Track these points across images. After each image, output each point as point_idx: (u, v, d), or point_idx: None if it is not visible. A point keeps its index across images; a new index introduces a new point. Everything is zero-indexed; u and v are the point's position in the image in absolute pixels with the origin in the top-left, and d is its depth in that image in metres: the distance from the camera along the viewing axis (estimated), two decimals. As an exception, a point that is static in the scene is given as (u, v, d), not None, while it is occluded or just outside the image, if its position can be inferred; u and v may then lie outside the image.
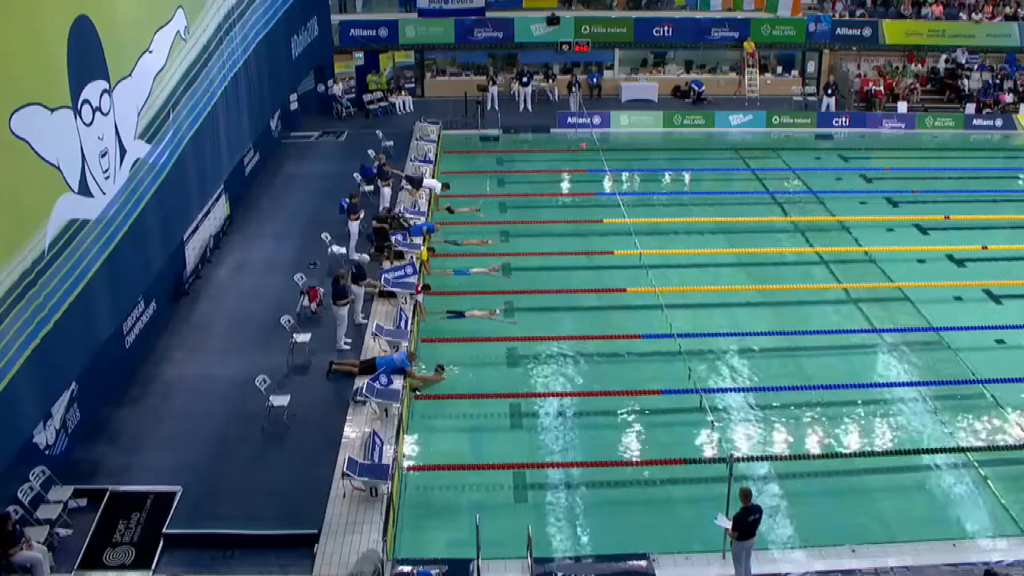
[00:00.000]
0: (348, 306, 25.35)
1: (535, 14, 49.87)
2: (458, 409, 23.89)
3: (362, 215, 30.89)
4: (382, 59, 49.50)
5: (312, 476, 20.02)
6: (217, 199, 30.75)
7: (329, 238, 30.15)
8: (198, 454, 20.71)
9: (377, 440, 20.60)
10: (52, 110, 18.61)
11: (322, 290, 26.81)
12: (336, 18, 47.73)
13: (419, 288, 27.57)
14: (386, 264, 29.26)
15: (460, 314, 27.35)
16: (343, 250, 29.69)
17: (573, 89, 48.70)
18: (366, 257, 28.99)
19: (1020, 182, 42.52)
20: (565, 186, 40.44)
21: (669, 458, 21.79)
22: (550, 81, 50.40)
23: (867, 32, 51.06)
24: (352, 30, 48.30)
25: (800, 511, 20.08)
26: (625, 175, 41.49)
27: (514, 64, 51.13)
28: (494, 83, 48.22)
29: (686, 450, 22.25)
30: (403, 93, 48.11)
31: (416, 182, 35.14)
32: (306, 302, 26.55)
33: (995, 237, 34.38)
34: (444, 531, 19.71)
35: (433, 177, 36.94)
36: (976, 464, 21.97)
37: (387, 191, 34.13)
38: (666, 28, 50.36)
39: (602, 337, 27.09)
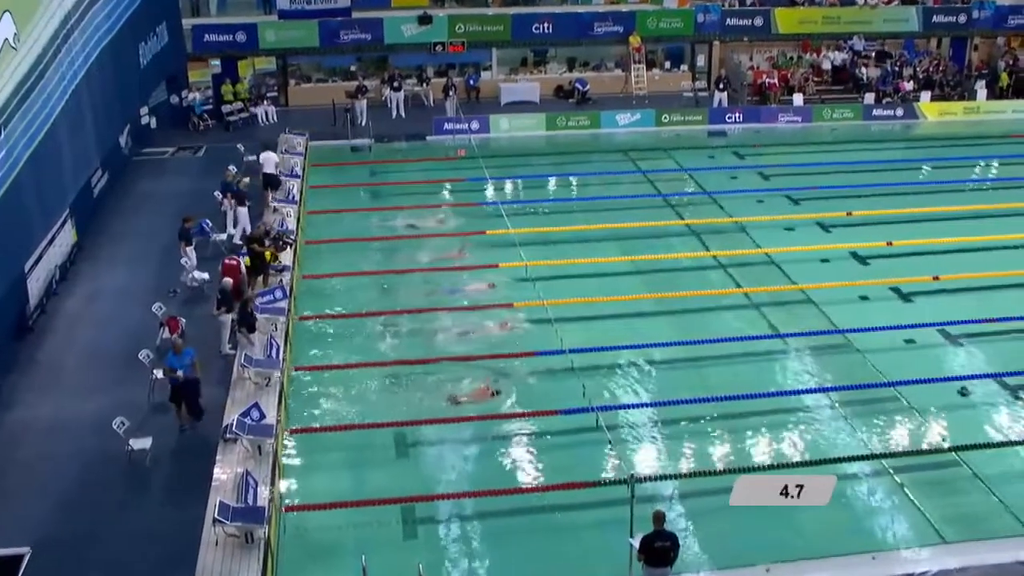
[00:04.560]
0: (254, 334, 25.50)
1: (405, 13, 49.73)
2: (339, 442, 23.49)
3: (195, 243, 30.63)
4: (241, 66, 49.01)
5: (181, 524, 19.47)
6: (62, 225, 29.99)
7: (189, 263, 29.59)
8: (50, 509, 20.05)
9: (251, 481, 20.16)
10: None
11: (183, 320, 26.23)
12: (188, 22, 47.12)
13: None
14: (259, 287, 28.77)
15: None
16: (205, 276, 29.17)
17: (449, 93, 48.66)
18: (229, 281, 28.47)
19: (923, 173, 43.58)
20: (444, 196, 40.31)
21: (569, 482, 21.68)
22: (424, 85, 50.37)
23: (758, 22, 51.93)
24: (207, 35, 47.65)
25: (711, 531, 20.15)
26: (508, 182, 41.59)
27: (385, 68, 50.90)
28: (364, 90, 47.83)
29: (587, 472, 22.15)
30: (265, 102, 47.65)
31: (274, 183, 35.13)
32: (166, 334, 25.91)
33: (900, 232, 35.17)
34: (328, 575, 19.37)
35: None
36: (892, 471, 22.34)
37: (243, 210, 33.40)
38: (546, 24, 50.64)
39: (491, 356, 26.97)
